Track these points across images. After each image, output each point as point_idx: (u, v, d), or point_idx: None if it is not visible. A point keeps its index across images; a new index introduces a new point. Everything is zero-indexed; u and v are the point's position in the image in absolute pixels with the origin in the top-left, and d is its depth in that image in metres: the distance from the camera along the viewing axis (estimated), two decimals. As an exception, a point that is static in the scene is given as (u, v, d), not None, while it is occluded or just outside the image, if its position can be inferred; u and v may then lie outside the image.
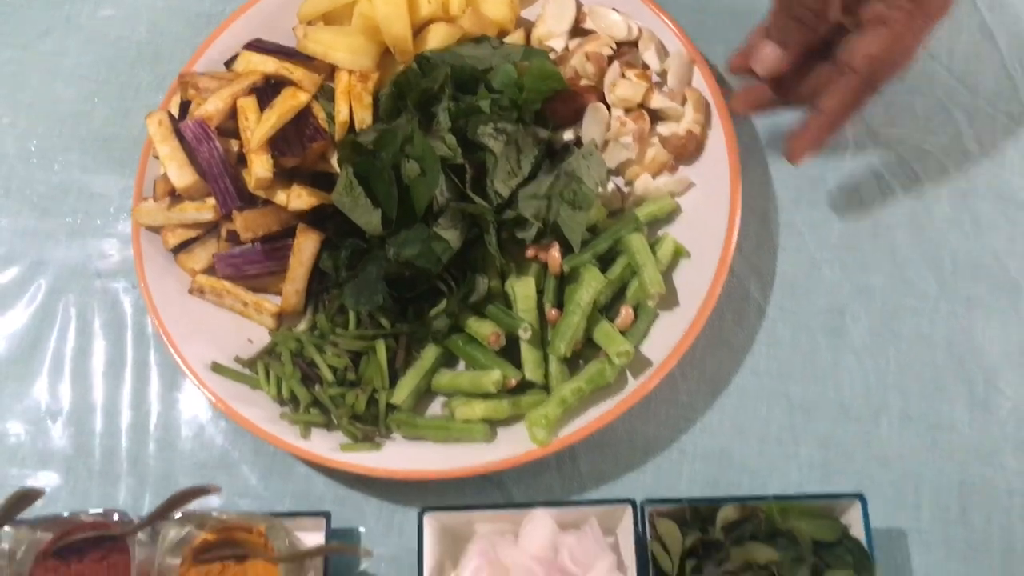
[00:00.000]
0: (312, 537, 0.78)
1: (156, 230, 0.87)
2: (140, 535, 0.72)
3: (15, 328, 0.91)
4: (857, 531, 0.71)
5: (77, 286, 0.91)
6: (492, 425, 0.80)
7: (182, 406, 0.87)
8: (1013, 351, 0.81)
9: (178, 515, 0.73)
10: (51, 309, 0.91)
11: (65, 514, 0.75)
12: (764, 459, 0.80)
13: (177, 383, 0.87)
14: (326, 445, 0.80)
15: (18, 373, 0.89)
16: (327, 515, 0.79)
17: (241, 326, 0.85)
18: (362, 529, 0.82)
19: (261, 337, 0.85)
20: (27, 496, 0.72)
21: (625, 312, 0.79)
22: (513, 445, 0.78)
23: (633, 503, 0.73)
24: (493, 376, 0.78)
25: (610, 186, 0.86)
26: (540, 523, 0.74)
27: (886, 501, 0.77)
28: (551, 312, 0.80)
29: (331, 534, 0.79)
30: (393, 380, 0.81)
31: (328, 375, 0.80)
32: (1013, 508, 0.77)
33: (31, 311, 0.91)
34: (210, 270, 0.87)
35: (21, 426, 0.87)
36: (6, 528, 0.72)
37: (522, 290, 0.80)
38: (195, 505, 0.73)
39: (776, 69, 0.76)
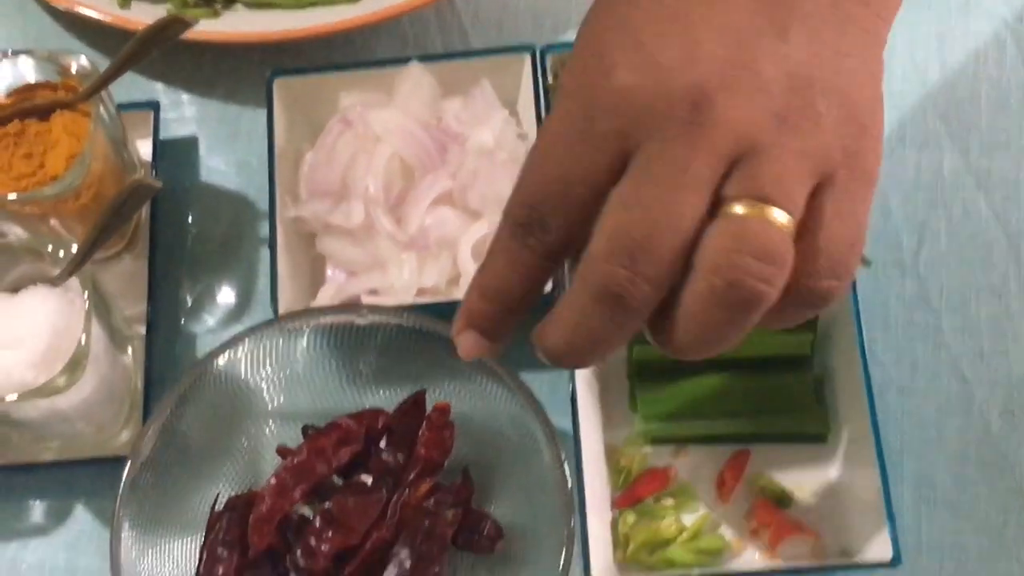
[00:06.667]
0: (140, 145, 0.78)
1: None
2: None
3: None
4: None
5: None
6: (358, -9, 0.80)
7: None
8: None
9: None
10: None
11: None
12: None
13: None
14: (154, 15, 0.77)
15: None
16: (155, 105, 0.79)
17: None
18: (200, 137, 0.83)
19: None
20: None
21: None
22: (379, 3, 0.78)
23: (533, 50, 0.76)
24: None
25: None
26: (418, 81, 0.75)
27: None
28: None
29: (161, 145, 0.79)
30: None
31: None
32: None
33: None
34: None
35: None
36: None
37: None
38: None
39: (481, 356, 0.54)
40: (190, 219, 0.81)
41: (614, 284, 0.44)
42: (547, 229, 0.46)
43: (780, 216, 0.43)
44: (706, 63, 0.44)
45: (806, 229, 0.44)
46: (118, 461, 0.68)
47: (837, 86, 0.45)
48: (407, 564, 0.65)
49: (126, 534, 0.65)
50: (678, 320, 0.45)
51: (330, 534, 0.66)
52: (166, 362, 0.76)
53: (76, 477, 0.74)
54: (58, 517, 0.74)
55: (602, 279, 0.44)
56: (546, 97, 0.76)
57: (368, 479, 0.69)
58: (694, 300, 0.43)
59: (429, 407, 0.70)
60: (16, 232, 0.71)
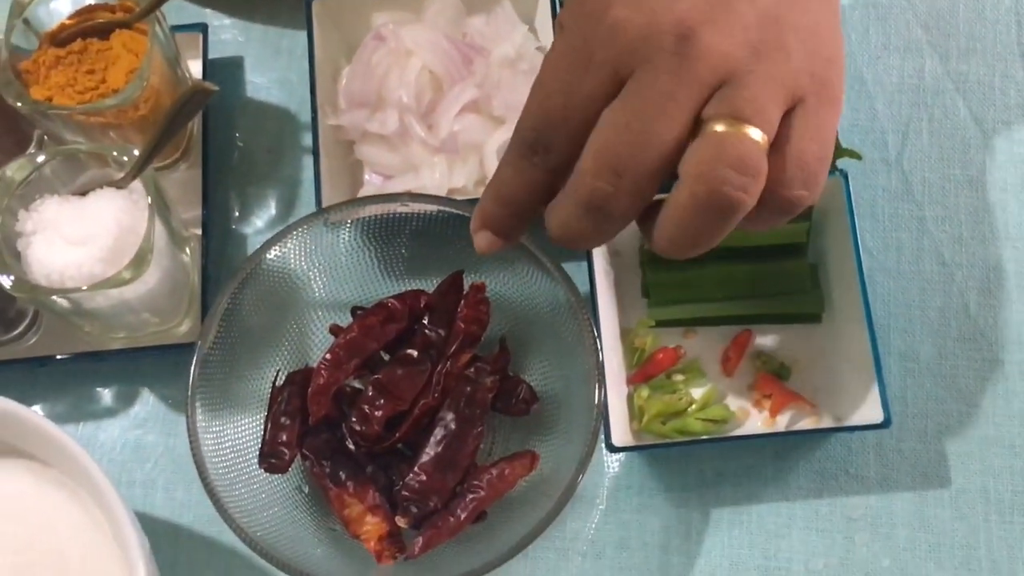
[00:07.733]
0: (191, 64, 0.81)
1: None
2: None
3: None
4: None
5: None
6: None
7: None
8: None
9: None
10: None
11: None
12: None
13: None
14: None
15: None
16: (203, 27, 0.82)
17: None
18: (245, 57, 0.86)
19: None
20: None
21: None
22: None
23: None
24: None
25: None
26: (444, 1, 0.79)
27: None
28: None
29: (210, 64, 0.82)
30: None
31: None
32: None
33: None
34: None
35: None
36: None
37: None
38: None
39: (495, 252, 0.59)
40: (237, 132, 0.84)
41: (598, 198, 0.50)
42: (550, 149, 0.52)
43: (755, 133, 0.47)
44: (690, 1, 0.49)
45: (779, 144, 0.49)
46: (179, 349, 0.72)
47: (803, 24, 0.50)
48: (452, 426, 0.69)
49: (200, 405, 0.68)
50: (665, 223, 0.49)
51: (382, 401, 0.70)
52: (220, 261, 0.80)
53: (142, 364, 0.78)
54: (126, 400, 0.78)
55: (588, 193, 0.50)
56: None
57: (414, 353, 0.71)
58: (679, 206, 0.48)
59: (466, 288, 0.72)
60: (83, 142, 0.75)
